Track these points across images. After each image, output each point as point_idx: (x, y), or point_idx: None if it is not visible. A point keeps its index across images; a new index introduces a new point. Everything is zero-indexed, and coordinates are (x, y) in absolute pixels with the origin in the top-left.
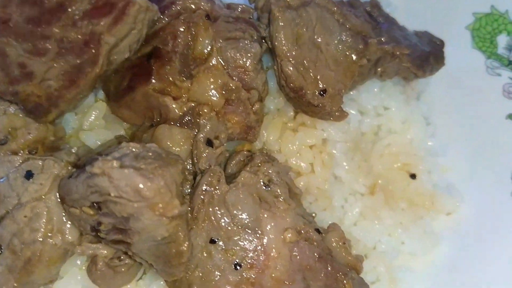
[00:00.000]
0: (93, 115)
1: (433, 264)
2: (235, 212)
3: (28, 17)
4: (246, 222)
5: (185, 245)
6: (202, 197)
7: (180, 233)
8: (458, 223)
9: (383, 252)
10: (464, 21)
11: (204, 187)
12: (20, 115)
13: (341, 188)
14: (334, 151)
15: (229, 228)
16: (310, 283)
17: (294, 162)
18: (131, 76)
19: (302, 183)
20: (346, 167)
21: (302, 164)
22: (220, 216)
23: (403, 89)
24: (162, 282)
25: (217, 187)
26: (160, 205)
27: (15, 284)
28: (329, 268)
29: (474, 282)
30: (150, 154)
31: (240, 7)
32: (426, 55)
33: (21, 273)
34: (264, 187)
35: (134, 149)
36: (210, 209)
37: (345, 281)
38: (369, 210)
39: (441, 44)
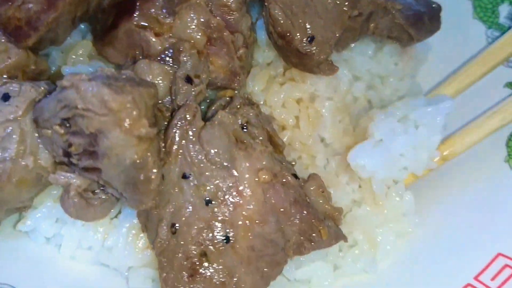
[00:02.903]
0: (79, 53)
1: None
2: (208, 149)
3: None
4: (219, 159)
5: (154, 171)
6: (175, 131)
7: (149, 159)
8: None
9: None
10: None
11: (178, 122)
12: (2, 40)
13: (324, 149)
14: (322, 110)
15: (202, 164)
16: (284, 227)
17: (279, 115)
18: (116, 14)
19: (285, 138)
20: (331, 129)
21: (288, 117)
22: (193, 152)
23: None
24: (135, 221)
25: (192, 123)
26: (127, 121)
27: None
28: (304, 213)
29: None
30: (124, 77)
31: None
32: (421, 14)
33: None
34: (242, 128)
35: (107, 72)
36: (184, 144)
37: (320, 228)
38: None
39: (438, 7)
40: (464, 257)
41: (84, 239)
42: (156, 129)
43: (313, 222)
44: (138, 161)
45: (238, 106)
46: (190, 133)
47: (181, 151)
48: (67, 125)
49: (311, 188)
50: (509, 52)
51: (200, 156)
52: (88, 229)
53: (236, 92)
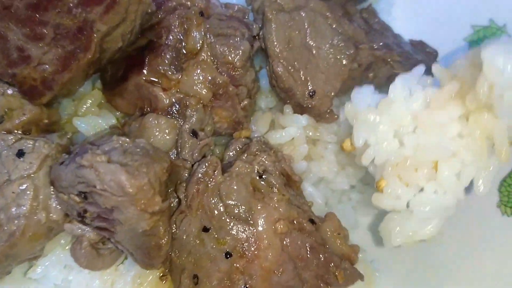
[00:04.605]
0: (89, 102)
1: None
2: (228, 202)
3: (28, 3)
4: (238, 212)
5: (165, 239)
6: (196, 186)
7: (160, 228)
8: None
9: None
10: (463, 33)
11: (199, 176)
12: (17, 97)
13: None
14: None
15: (222, 217)
16: (302, 273)
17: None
18: (126, 67)
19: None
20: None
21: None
22: (213, 205)
23: None
24: (140, 269)
25: (212, 177)
26: (143, 201)
27: None
28: (321, 259)
29: None
30: (138, 150)
31: (237, 7)
32: (418, 62)
33: (4, 246)
34: (259, 177)
35: (124, 144)
36: (204, 198)
37: (337, 272)
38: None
39: (435, 54)
40: None
41: (91, 285)
42: (168, 202)
43: (330, 267)
44: (149, 231)
45: (256, 153)
46: (210, 186)
47: (201, 205)
48: (84, 196)
49: (328, 230)
50: None
51: (219, 209)
52: (95, 276)
53: (256, 137)
